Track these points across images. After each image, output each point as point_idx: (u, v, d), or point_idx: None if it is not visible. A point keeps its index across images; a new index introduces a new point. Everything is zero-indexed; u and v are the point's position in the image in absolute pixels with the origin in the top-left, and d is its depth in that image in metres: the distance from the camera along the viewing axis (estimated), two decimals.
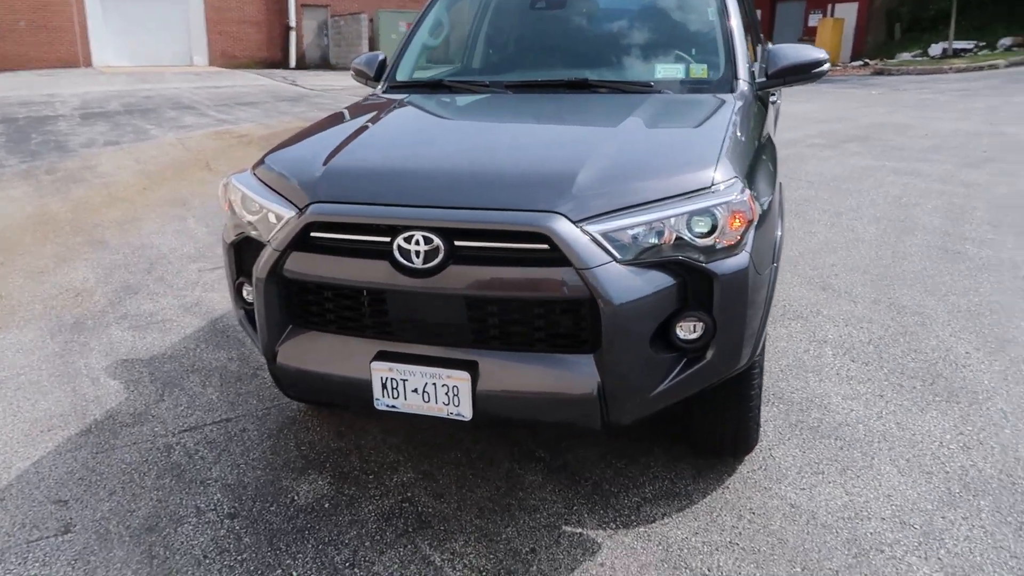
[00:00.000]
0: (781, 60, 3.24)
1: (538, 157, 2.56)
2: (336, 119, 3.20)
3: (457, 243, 2.24)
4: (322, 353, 2.49)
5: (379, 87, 3.66)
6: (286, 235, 2.39)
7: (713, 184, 2.31)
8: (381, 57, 3.80)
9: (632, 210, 2.23)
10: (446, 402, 2.33)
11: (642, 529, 2.58)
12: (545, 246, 2.18)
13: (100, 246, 5.87)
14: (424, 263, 2.24)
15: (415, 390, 2.35)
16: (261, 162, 2.80)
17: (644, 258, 2.21)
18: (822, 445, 3.01)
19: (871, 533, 2.53)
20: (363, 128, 2.89)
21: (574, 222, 2.18)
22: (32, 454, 3.11)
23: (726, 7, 3.47)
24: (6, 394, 3.60)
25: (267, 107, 13.81)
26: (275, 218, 2.49)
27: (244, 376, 3.74)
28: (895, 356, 3.71)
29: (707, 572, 2.38)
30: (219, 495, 2.82)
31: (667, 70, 3.30)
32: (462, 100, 3.45)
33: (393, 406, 2.39)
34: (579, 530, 2.59)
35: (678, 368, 2.33)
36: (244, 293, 2.75)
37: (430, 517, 2.67)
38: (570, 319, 2.26)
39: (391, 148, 2.78)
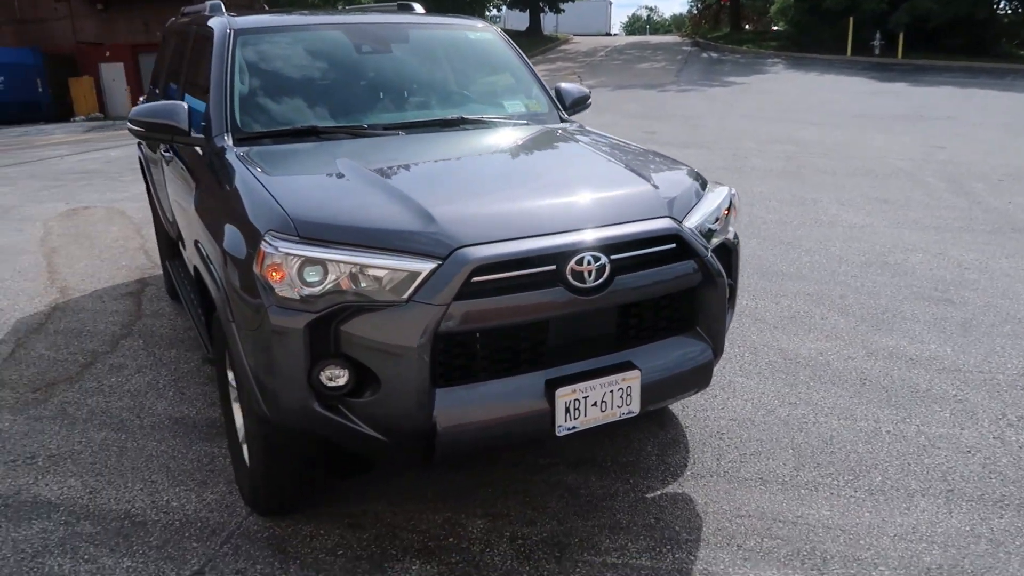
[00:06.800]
0: (572, 94, 3.98)
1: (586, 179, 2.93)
2: (291, 175, 2.92)
3: (613, 257, 2.47)
4: (486, 402, 2.40)
5: (224, 140, 3.10)
6: (450, 288, 2.25)
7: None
8: (185, 105, 3.21)
9: None
10: (620, 404, 2.53)
11: None
12: (673, 245, 2.60)
13: None
14: (594, 281, 2.42)
15: (595, 403, 2.48)
16: (297, 223, 2.34)
17: None
18: None
19: None
20: (368, 173, 2.74)
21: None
22: None
23: (520, 54, 4.05)
24: None
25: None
26: (386, 274, 2.27)
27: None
28: None
29: None
30: None
31: (512, 105, 3.75)
32: (382, 143, 3.22)
33: (573, 427, 2.47)
34: None
35: None
36: (325, 379, 2.33)
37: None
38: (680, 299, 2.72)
39: (466, 187, 2.87)
